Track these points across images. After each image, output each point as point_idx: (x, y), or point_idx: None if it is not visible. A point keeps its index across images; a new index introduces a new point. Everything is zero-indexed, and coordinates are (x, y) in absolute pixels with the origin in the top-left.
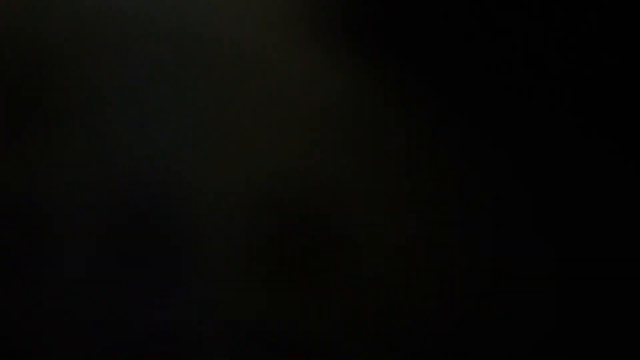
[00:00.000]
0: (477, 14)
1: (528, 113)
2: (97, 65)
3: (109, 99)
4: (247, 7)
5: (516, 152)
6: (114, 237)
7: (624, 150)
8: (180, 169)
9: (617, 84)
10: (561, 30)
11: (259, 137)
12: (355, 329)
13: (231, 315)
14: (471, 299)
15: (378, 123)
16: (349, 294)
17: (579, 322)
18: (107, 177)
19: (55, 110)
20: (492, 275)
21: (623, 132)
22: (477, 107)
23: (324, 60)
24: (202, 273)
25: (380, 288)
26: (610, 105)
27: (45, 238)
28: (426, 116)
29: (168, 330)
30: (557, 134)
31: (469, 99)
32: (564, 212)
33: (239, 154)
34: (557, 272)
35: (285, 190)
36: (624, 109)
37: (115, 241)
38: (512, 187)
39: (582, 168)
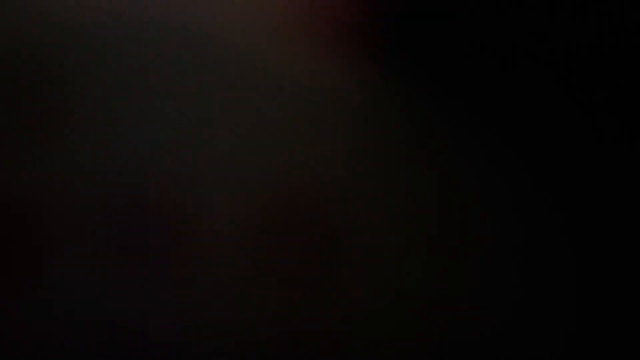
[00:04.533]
0: (486, 13)
1: (541, 114)
2: (97, 66)
3: (108, 100)
4: (251, 9)
5: (530, 156)
6: (113, 238)
7: (636, 147)
8: (182, 170)
9: (625, 81)
10: (571, 27)
11: (262, 139)
12: (355, 331)
13: (231, 316)
14: (474, 302)
15: (385, 124)
16: (350, 296)
17: (585, 326)
18: (106, 179)
19: (53, 111)
20: (496, 278)
21: (635, 128)
22: (491, 110)
23: (330, 63)
24: (202, 274)
25: (382, 290)
26: (622, 102)
27: (43, 238)
28: (436, 119)
29: (167, 330)
30: (571, 133)
31: (483, 102)
32: (578, 215)
33: (241, 156)
34: (566, 279)
35: (288, 192)
36: (634, 105)
37: (115, 242)
38: (524, 191)
39: (594, 166)
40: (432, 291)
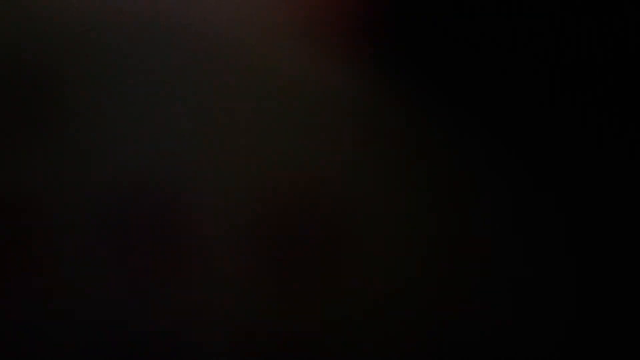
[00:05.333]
0: (486, 13)
1: (541, 114)
2: (96, 65)
3: (108, 100)
4: (249, 7)
5: (529, 155)
6: (113, 238)
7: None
8: (181, 170)
9: (625, 81)
10: (572, 28)
11: (261, 138)
12: (356, 331)
13: (231, 316)
14: (474, 302)
15: (384, 124)
16: (351, 295)
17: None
18: (106, 178)
19: (54, 110)
20: (495, 278)
21: (635, 129)
22: (488, 107)
23: (328, 61)
24: (202, 274)
25: (382, 290)
26: (622, 102)
27: (43, 238)
28: (434, 117)
29: (167, 331)
30: (570, 133)
31: (479, 99)
32: (578, 215)
33: (241, 155)
34: (563, 276)
35: (288, 191)
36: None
37: (115, 242)
38: (523, 191)
39: (594, 166)
40: (432, 291)
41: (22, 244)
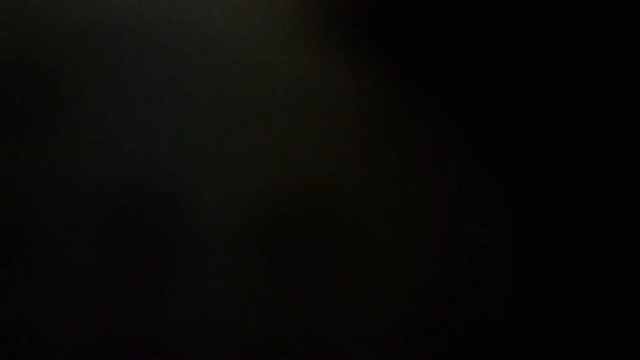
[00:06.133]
0: (485, 13)
1: (539, 113)
2: (98, 68)
3: (109, 102)
4: (249, 8)
5: (528, 154)
6: (114, 240)
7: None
8: (182, 171)
9: (625, 80)
10: (569, 27)
11: (261, 139)
12: (356, 331)
13: (231, 318)
14: (474, 301)
15: (383, 124)
16: (351, 296)
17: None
18: (108, 180)
19: (56, 113)
20: (496, 277)
21: (636, 129)
22: (487, 107)
23: (328, 61)
24: (202, 275)
25: (383, 291)
26: (623, 102)
27: (44, 239)
28: (433, 116)
29: (167, 331)
30: (570, 133)
31: (478, 99)
32: (574, 214)
33: (240, 156)
34: (563, 275)
35: (287, 192)
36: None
37: (116, 244)
38: (522, 189)
39: (593, 166)
40: (430, 285)
41: (22, 244)
